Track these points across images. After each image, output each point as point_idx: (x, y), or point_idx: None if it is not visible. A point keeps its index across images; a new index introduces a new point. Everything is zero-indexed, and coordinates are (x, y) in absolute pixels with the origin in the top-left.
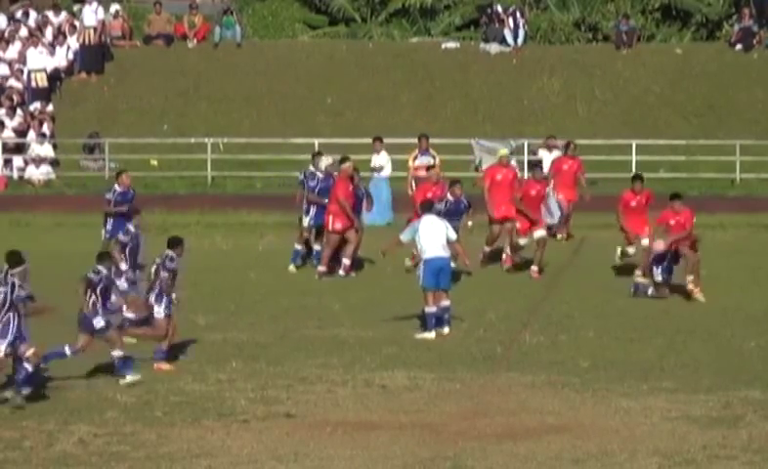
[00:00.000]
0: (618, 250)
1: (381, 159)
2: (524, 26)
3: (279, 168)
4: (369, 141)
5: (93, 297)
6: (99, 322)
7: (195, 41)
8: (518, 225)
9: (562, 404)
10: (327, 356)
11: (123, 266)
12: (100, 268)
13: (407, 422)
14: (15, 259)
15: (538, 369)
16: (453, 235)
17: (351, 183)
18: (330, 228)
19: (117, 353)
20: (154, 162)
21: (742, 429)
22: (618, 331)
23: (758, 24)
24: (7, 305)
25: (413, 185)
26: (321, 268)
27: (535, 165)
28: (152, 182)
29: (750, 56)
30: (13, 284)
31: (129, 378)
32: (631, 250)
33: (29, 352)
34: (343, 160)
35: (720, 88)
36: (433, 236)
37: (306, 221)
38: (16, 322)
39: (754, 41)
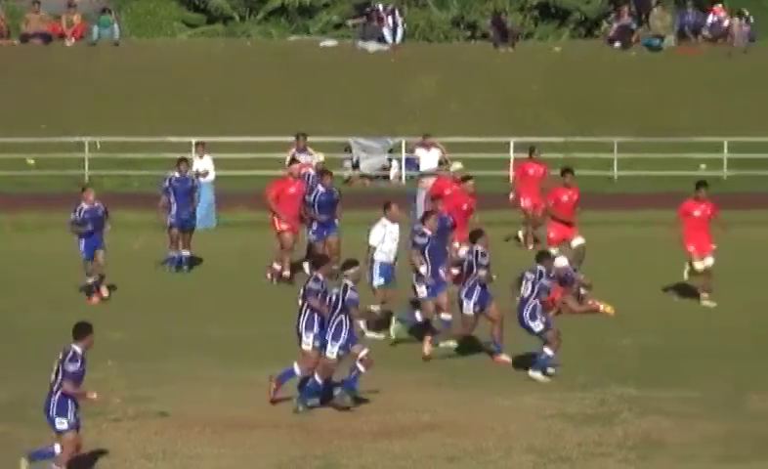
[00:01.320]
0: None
1: (205, 164)
2: (402, 25)
3: (156, 167)
4: (248, 139)
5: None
6: None
7: (73, 40)
8: (551, 234)
9: (437, 402)
10: (200, 354)
11: None
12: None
13: (281, 421)
14: (350, 261)
15: (414, 368)
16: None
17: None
18: (278, 228)
19: None
20: (31, 161)
21: (617, 426)
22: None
23: (637, 22)
24: (339, 307)
25: None
26: (286, 273)
27: (566, 171)
28: (28, 181)
29: (628, 53)
30: (345, 286)
31: None
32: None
33: (362, 353)
34: (292, 161)
35: (598, 85)
36: (387, 239)
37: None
38: (348, 325)
39: (633, 39)
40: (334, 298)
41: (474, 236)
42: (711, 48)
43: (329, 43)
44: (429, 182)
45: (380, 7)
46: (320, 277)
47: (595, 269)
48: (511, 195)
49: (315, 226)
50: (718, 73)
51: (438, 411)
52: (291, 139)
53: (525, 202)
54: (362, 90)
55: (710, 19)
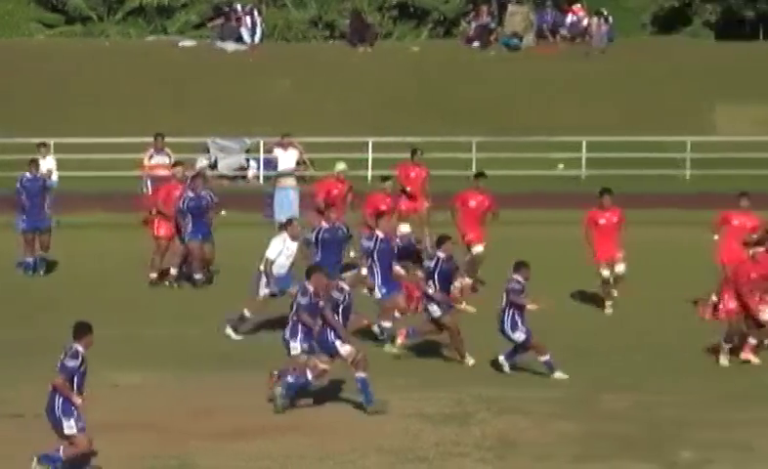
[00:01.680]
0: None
1: (48, 164)
2: (261, 25)
3: (6, 169)
4: (106, 140)
5: None
6: None
7: None
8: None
9: (295, 402)
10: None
11: None
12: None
13: (137, 422)
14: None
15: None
16: None
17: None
18: (155, 233)
19: None
20: None
21: (474, 426)
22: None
23: (498, 21)
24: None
25: (149, 184)
26: (153, 274)
27: (604, 192)
28: None
29: (487, 53)
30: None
31: None
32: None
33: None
34: (176, 164)
35: (457, 85)
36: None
37: None
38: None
39: (491, 38)
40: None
41: (438, 242)
42: (570, 47)
43: (188, 43)
44: (289, 181)
45: (239, 7)
46: (310, 288)
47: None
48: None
49: (188, 228)
50: (577, 73)
51: (295, 412)
52: (150, 139)
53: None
54: (221, 90)
55: (569, 18)
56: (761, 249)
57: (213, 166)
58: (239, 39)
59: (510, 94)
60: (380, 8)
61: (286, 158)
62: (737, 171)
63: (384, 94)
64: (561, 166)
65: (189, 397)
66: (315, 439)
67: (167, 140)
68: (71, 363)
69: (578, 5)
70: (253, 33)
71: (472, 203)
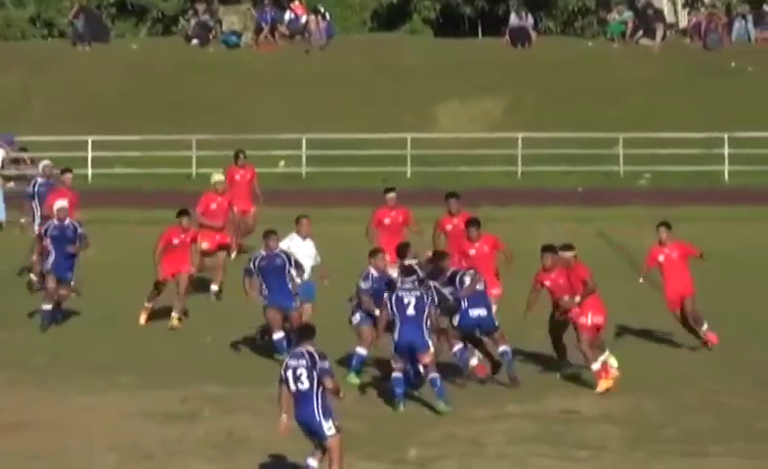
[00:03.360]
0: None
1: None
2: None
3: None
4: None
5: None
6: None
7: None
8: None
9: (19, 401)
10: None
11: None
12: None
13: None
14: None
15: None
16: None
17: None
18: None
19: None
20: None
21: (199, 424)
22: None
23: (217, 19)
24: None
25: None
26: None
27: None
28: None
29: (206, 50)
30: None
31: None
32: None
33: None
34: (64, 171)
35: (177, 83)
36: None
37: None
38: None
39: (211, 36)
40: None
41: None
42: (290, 45)
43: None
44: None
45: None
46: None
47: None
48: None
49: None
50: (297, 70)
51: (20, 410)
52: None
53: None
54: None
55: (288, 16)
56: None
57: None
58: None
59: (231, 91)
60: (98, 6)
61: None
62: (456, 168)
63: (105, 92)
64: (282, 163)
65: None
66: (39, 437)
67: None
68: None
69: (297, 2)
70: None
71: (386, 221)
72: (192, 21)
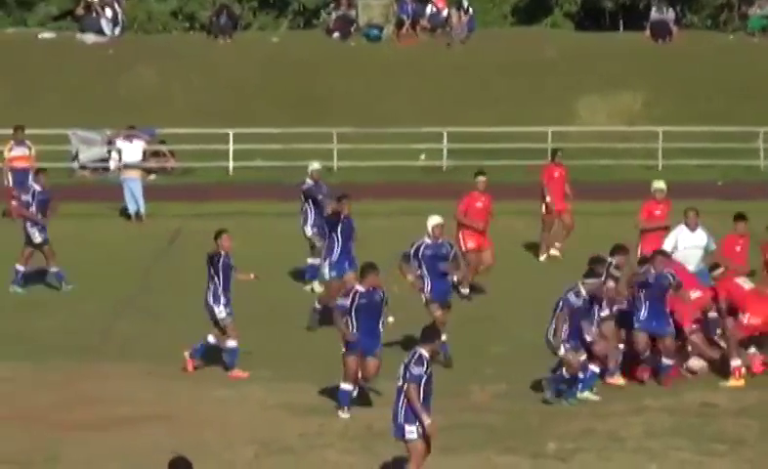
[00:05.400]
0: None
1: None
2: (121, 16)
3: None
4: None
5: None
6: None
7: None
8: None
9: (158, 393)
10: None
11: None
12: None
13: (4, 414)
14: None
15: (134, 359)
16: None
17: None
18: None
19: None
20: None
21: (338, 417)
22: None
23: (357, 12)
24: None
25: (9, 176)
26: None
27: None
28: None
29: (348, 44)
30: None
31: None
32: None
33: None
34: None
35: (318, 76)
36: None
37: None
38: None
39: (352, 29)
40: None
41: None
42: (431, 38)
43: (48, 35)
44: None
45: None
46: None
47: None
48: None
49: (38, 225)
50: (438, 64)
51: (161, 403)
52: (9, 131)
53: None
54: (81, 82)
55: (429, 9)
56: None
57: (75, 158)
58: (99, 31)
59: (372, 85)
60: (240, 0)
61: (131, 150)
62: (597, 162)
63: (245, 85)
64: (423, 157)
65: (53, 388)
66: (179, 430)
67: (27, 132)
68: (417, 371)
69: None
70: (114, 25)
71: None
72: (334, 15)
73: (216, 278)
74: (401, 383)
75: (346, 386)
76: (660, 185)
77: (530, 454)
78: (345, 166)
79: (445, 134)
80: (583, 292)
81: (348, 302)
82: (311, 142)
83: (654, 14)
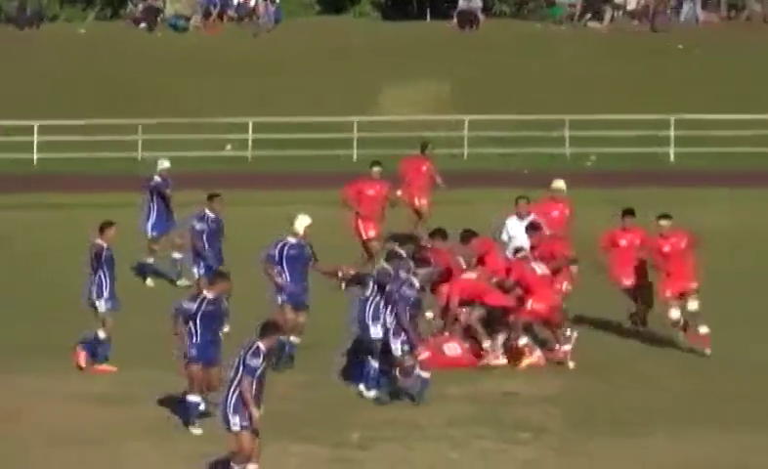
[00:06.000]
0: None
1: None
2: None
3: None
4: None
5: None
6: None
7: None
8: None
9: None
10: None
11: None
12: None
13: None
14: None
15: None
16: None
17: None
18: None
19: None
20: None
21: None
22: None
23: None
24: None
25: None
26: None
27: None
28: None
29: (155, 34)
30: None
31: None
32: None
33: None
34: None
35: (125, 67)
36: None
37: None
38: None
39: (158, 19)
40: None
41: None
42: (237, 28)
43: None
44: None
45: None
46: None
47: None
48: None
49: None
50: (244, 54)
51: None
52: None
53: None
54: None
55: None
56: None
57: None
58: None
59: (178, 75)
60: None
61: None
62: (403, 151)
63: (52, 77)
64: (229, 147)
65: None
66: None
67: None
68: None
69: None
70: None
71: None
72: (141, 5)
73: (101, 272)
74: (234, 374)
75: (193, 398)
76: (559, 184)
77: (330, 444)
78: (150, 157)
79: (250, 124)
80: (416, 283)
81: (194, 306)
82: (116, 133)
83: (461, 3)
